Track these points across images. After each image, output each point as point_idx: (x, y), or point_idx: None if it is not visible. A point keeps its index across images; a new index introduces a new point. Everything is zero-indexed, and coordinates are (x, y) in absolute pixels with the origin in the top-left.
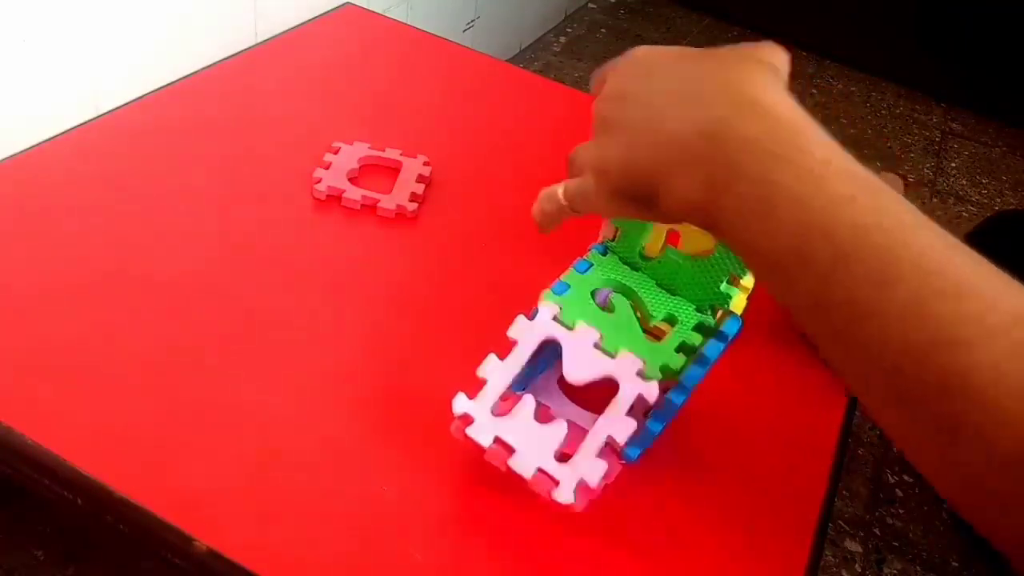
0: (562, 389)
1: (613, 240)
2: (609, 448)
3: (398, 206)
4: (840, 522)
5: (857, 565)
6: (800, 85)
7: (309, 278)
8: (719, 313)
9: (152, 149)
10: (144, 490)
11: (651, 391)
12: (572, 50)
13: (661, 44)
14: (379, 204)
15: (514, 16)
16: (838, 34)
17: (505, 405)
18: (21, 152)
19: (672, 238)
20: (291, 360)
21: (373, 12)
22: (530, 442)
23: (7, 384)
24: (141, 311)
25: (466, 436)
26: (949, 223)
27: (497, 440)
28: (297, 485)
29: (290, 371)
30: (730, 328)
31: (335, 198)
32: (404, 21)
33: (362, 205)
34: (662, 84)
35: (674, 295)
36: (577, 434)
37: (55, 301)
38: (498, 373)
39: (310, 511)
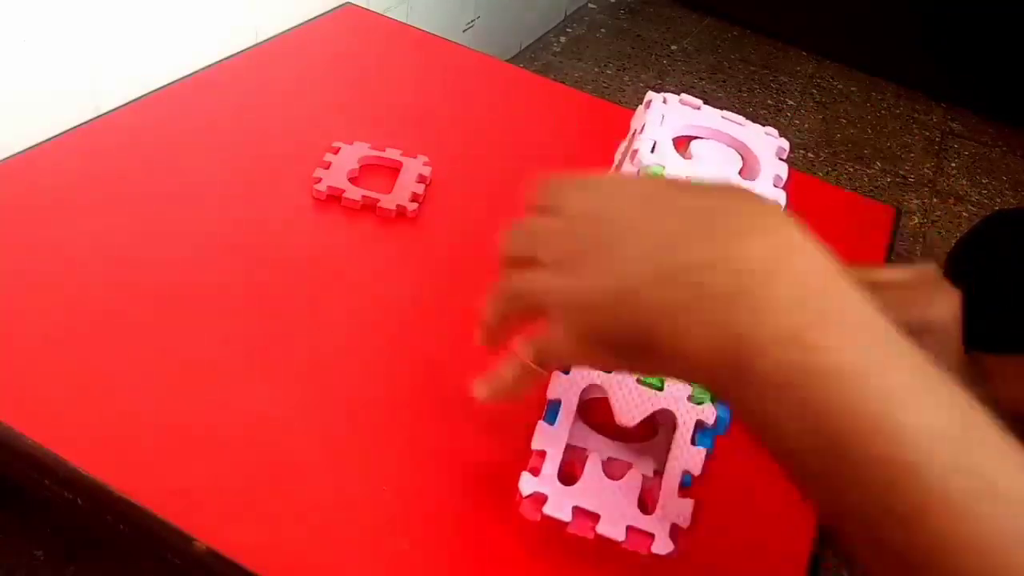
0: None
1: None
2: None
3: (398, 206)
4: None
5: None
6: (800, 85)
7: (309, 278)
8: None
9: (152, 149)
10: (144, 490)
11: (708, 414)
12: (572, 50)
13: (661, 44)
14: (379, 204)
15: (514, 16)
16: (838, 34)
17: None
18: (21, 152)
19: None
20: (291, 359)
21: (373, 12)
22: (610, 503)
23: (7, 384)
24: (141, 311)
25: (544, 516)
26: (949, 223)
27: (576, 510)
28: (297, 485)
29: (290, 370)
30: None
31: (335, 198)
32: (404, 21)
33: (362, 205)
34: (659, 210)
35: None
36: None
37: (55, 301)
38: (553, 441)
39: (310, 511)
